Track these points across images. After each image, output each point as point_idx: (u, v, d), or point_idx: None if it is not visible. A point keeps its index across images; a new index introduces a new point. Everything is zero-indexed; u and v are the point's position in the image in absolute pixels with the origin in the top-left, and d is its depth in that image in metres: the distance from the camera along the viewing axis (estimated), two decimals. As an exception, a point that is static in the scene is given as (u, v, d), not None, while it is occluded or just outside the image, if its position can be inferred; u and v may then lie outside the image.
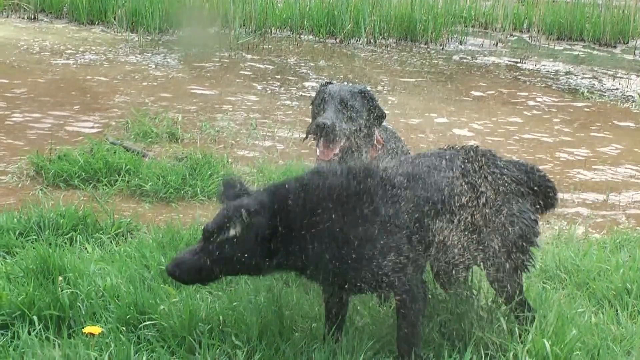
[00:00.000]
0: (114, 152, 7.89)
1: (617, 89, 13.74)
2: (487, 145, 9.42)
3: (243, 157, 8.61)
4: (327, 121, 4.73)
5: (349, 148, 4.86)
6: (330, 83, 5.13)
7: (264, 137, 9.42)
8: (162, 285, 4.93)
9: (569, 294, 5.31)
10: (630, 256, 6.08)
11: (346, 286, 4.11)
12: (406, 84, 13.13)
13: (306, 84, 12.47)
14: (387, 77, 13.51)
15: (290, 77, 12.94)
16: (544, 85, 13.78)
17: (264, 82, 12.43)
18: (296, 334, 4.40)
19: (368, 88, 5.13)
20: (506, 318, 4.50)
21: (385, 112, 5.13)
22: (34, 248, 5.29)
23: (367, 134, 4.96)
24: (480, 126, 10.75)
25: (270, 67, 13.75)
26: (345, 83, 5.24)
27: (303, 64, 14.10)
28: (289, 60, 14.43)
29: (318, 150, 4.89)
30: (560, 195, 4.76)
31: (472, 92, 12.89)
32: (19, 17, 16.95)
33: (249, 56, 14.57)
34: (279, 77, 12.93)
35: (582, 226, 7.20)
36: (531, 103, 12.44)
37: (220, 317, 4.51)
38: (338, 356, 4.17)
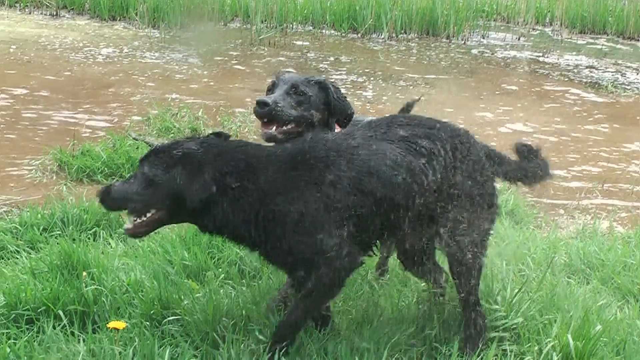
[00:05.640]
0: (137, 148, 7.92)
1: (641, 82, 13.66)
2: (508, 140, 9.39)
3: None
4: (267, 99, 4.51)
5: (300, 134, 4.54)
6: (289, 72, 4.91)
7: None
8: (185, 281, 4.94)
9: (593, 288, 5.28)
10: (655, 251, 6.03)
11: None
12: (428, 78, 13.09)
13: (328, 79, 12.44)
14: (409, 72, 13.47)
15: (311, 73, 12.92)
16: (566, 79, 13.70)
17: (285, 78, 12.41)
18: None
19: (329, 80, 4.89)
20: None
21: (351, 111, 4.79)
22: (58, 243, 5.32)
23: (325, 125, 4.70)
24: (503, 120, 10.70)
25: (291, 62, 13.74)
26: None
27: (324, 59, 14.09)
28: (310, 55, 14.41)
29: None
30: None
31: (495, 87, 12.82)
32: (41, 14, 17.03)
33: (270, 51, 14.56)
34: (300, 72, 12.91)
35: (606, 220, 7.16)
36: (554, 97, 12.37)
37: (244, 312, 4.51)
38: (363, 351, 4.16)
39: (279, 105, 4.49)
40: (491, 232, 4.40)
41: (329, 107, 4.67)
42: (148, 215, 3.97)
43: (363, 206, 4.00)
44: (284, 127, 4.53)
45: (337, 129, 4.74)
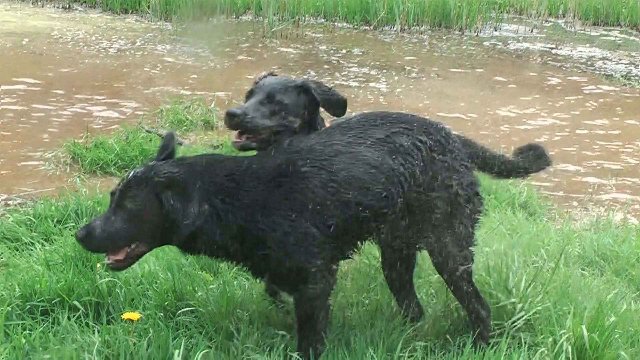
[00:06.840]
0: (150, 140, 7.95)
1: (655, 74, 13.59)
2: (521, 132, 9.37)
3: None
4: (237, 110, 4.29)
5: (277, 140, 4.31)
6: (273, 74, 4.71)
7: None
8: (199, 272, 4.95)
9: (607, 280, 5.26)
10: (669, 242, 6.01)
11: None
12: (440, 71, 13.06)
13: (340, 71, 12.45)
14: (422, 64, 13.44)
15: (323, 65, 12.92)
16: (579, 71, 13.64)
17: (297, 70, 12.41)
18: (333, 320, 4.40)
19: (310, 80, 4.59)
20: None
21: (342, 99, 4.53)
22: (72, 235, 5.33)
23: (310, 127, 4.47)
24: (515, 113, 10.68)
25: (304, 55, 13.73)
26: (285, 76, 4.79)
27: (336, 52, 14.07)
28: (321, 47, 14.40)
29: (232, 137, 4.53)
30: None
31: (508, 79, 12.79)
32: (54, 7, 17.06)
33: (282, 44, 14.56)
34: (312, 65, 12.90)
35: (620, 213, 7.14)
36: (567, 90, 12.33)
37: (258, 304, 4.52)
38: (378, 342, 4.15)
39: (249, 116, 4.29)
40: (476, 226, 4.31)
41: (317, 107, 4.47)
42: (132, 246, 3.86)
43: (346, 215, 3.93)
44: (255, 135, 4.36)
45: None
